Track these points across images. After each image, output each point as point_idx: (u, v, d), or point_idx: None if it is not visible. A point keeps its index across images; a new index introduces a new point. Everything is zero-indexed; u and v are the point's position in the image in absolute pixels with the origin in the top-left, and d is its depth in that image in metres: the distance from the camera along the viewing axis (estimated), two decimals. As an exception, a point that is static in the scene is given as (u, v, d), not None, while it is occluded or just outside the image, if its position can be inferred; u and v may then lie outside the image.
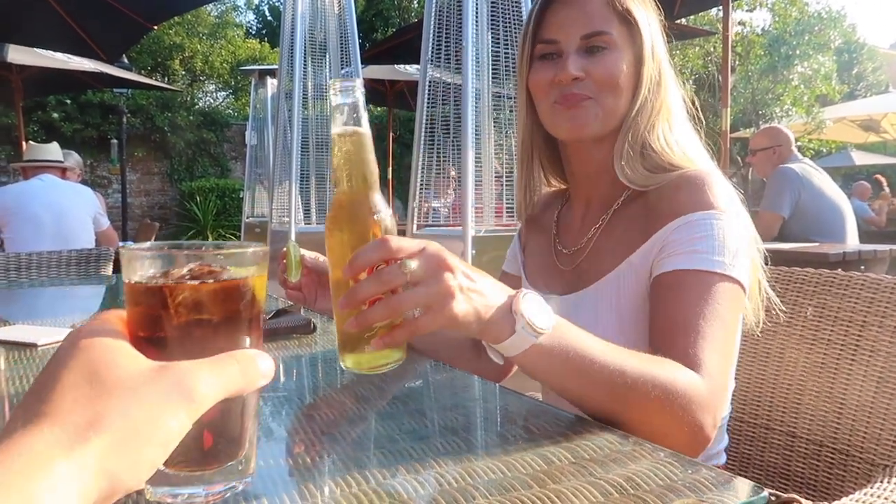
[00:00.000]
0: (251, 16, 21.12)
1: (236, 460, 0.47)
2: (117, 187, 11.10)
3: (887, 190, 9.90)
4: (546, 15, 1.03)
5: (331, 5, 4.88)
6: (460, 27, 3.55)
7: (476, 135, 3.54)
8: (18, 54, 6.36)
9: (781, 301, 1.10)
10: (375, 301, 0.66)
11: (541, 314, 0.71)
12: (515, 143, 1.19)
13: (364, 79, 4.98)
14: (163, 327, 0.44)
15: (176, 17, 13.27)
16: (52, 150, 4.22)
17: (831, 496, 1.04)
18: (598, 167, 1.06)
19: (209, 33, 15.80)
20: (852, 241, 3.53)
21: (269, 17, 20.21)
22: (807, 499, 1.06)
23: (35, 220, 3.76)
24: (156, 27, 5.78)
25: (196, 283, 0.44)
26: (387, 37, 12.22)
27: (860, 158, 14.03)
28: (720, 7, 5.57)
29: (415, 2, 17.41)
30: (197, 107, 13.63)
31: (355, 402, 0.81)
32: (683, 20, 7.19)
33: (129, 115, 11.15)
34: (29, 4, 5.12)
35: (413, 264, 0.65)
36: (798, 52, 12.36)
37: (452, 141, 3.86)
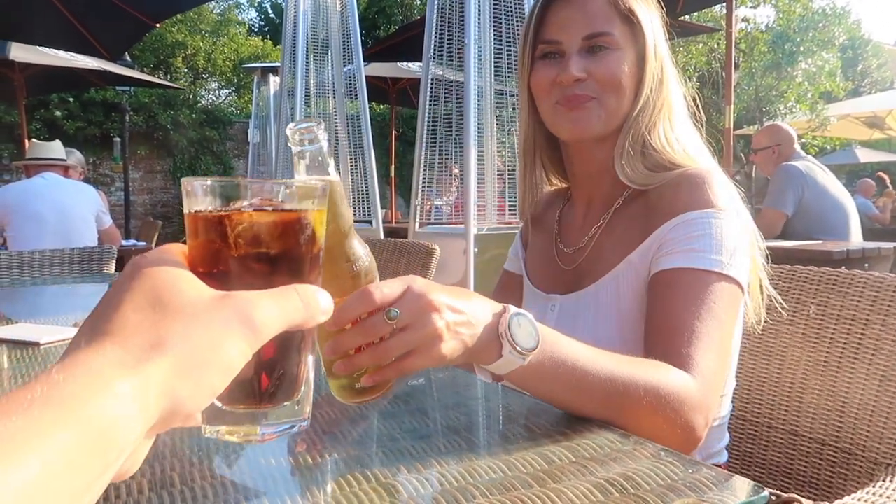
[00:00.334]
0: (253, 13, 21.14)
1: (292, 400, 0.47)
2: (120, 185, 11.11)
3: (891, 187, 9.88)
4: (547, 15, 1.03)
5: (333, 2, 4.88)
6: (463, 24, 3.55)
7: (478, 132, 3.54)
8: (21, 52, 6.37)
9: (784, 299, 1.10)
10: (361, 348, 0.64)
11: (527, 334, 0.69)
12: (518, 141, 1.19)
13: (367, 76, 5.00)
14: (222, 260, 0.43)
15: (178, 15, 13.28)
16: (55, 149, 4.23)
17: (833, 495, 1.04)
18: (599, 167, 1.06)
19: (212, 31, 15.80)
20: (856, 239, 3.52)
21: (272, 15, 20.20)
22: (808, 498, 1.06)
23: (37, 219, 3.77)
24: (158, 25, 5.78)
25: (256, 213, 0.44)
26: (389, 34, 12.21)
27: (864, 155, 13.99)
28: (724, 4, 5.55)
29: (417, -1, 17.39)
30: (199, 104, 13.63)
31: (356, 400, 0.81)
32: (687, 17, 7.17)
33: (131, 112, 11.16)
34: (32, 3, 5.13)
35: (397, 312, 0.62)
36: (802, 48, 12.33)
37: (455, 138, 3.86)
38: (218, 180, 0.44)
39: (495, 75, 3.65)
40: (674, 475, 0.56)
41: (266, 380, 0.45)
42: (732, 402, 1.07)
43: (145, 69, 13.73)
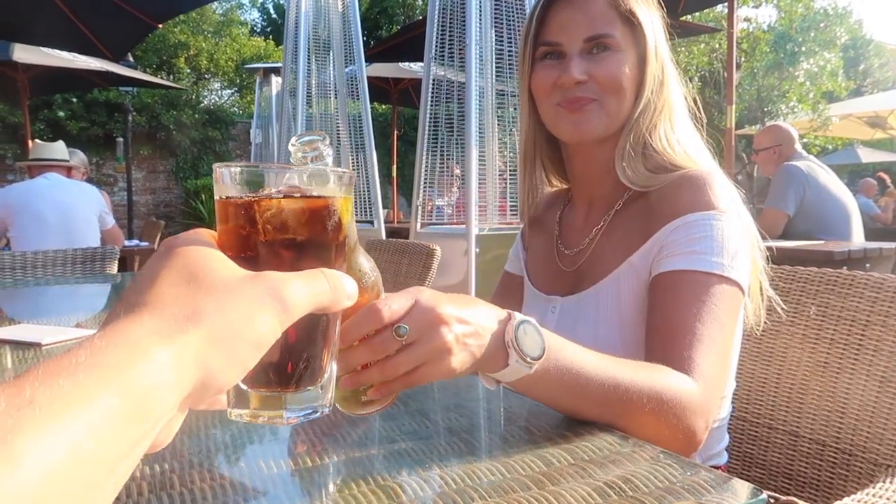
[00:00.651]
0: (256, 14, 21.15)
1: (316, 385, 0.47)
2: (123, 185, 11.13)
3: (893, 187, 9.85)
4: (548, 16, 1.02)
5: (335, 3, 4.89)
6: (464, 25, 3.55)
7: (480, 132, 3.54)
8: (24, 53, 6.39)
9: (784, 300, 1.10)
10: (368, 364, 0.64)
11: (533, 342, 0.69)
12: (519, 141, 1.19)
13: (368, 76, 5.00)
14: (251, 245, 0.44)
15: (181, 16, 13.29)
16: (58, 149, 4.24)
17: (833, 496, 1.04)
18: (599, 168, 1.05)
19: (214, 31, 15.82)
20: (858, 239, 3.52)
21: (274, 15, 20.21)
22: (808, 499, 1.06)
23: (40, 219, 3.78)
24: (161, 26, 5.79)
25: (284, 199, 0.45)
26: (391, 34, 12.22)
27: (866, 155, 13.97)
28: (725, 4, 5.54)
29: (419, -1, 17.39)
30: (202, 105, 13.65)
31: (357, 402, 0.81)
32: (688, 17, 7.17)
33: (134, 113, 11.17)
34: (35, 3, 5.14)
35: (406, 328, 0.62)
36: (804, 48, 12.30)
37: (456, 139, 3.87)
38: (247, 166, 0.46)
39: (496, 75, 3.65)
40: (672, 478, 0.56)
41: (291, 364, 0.46)
42: (732, 403, 1.07)
43: (148, 70, 13.74)
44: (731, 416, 1.11)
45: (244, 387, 0.45)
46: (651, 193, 0.99)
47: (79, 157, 4.98)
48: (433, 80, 3.83)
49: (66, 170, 4.21)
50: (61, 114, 10.79)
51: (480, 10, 3.53)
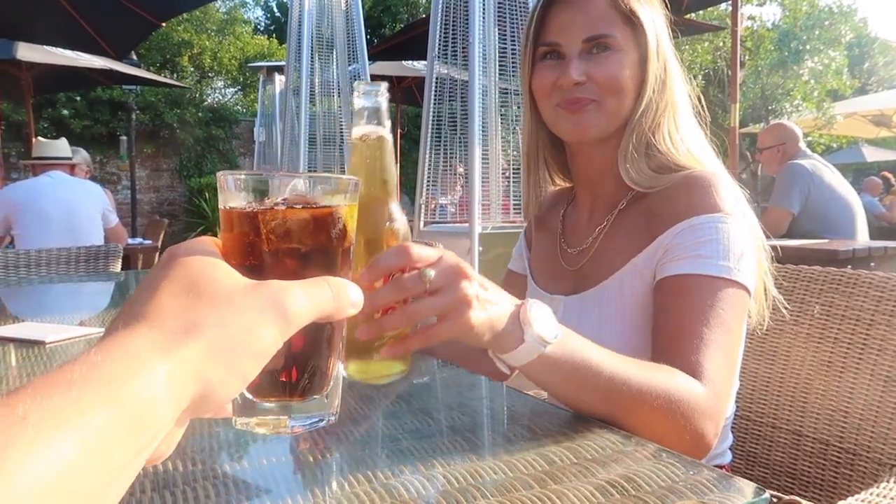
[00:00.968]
0: (259, 12, 21.16)
1: (322, 394, 0.47)
2: (126, 184, 11.15)
3: (898, 186, 9.82)
4: (547, 16, 1.01)
5: (338, 1, 4.89)
6: (467, 23, 3.54)
7: (483, 131, 3.54)
8: (28, 52, 6.40)
9: (788, 299, 1.10)
10: (388, 310, 0.64)
11: (548, 324, 0.70)
12: (521, 140, 1.18)
13: (371, 75, 5.00)
14: (255, 255, 0.44)
15: (184, 14, 13.30)
16: (61, 147, 4.24)
17: (837, 495, 1.04)
18: (602, 167, 1.05)
19: (217, 30, 15.83)
20: (862, 238, 3.51)
21: (277, 14, 20.22)
22: (812, 499, 1.06)
23: (44, 216, 3.78)
24: (164, 24, 5.80)
25: (289, 209, 0.44)
26: (394, 33, 12.22)
27: (871, 154, 13.92)
28: (730, 2, 5.53)
29: (422, -3, 17.37)
30: (205, 103, 13.67)
31: (359, 401, 0.81)
32: (692, 15, 7.15)
33: (138, 111, 11.19)
34: (39, 2, 5.15)
35: (432, 273, 0.63)
36: (808, 46, 12.27)
37: (459, 137, 3.86)
38: (251, 174, 0.45)
39: (499, 74, 3.64)
40: (675, 477, 0.56)
41: (296, 372, 0.46)
42: (736, 402, 1.07)
43: (151, 68, 13.76)
44: (735, 415, 1.10)
45: (249, 396, 0.45)
46: (655, 194, 0.98)
47: (82, 156, 5.00)
48: (436, 79, 3.83)
49: (70, 168, 4.22)
50: (65, 112, 10.81)
51: (484, 8, 3.52)
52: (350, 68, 4.89)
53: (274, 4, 20.60)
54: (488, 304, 0.67)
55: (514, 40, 3.60)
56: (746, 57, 12.19)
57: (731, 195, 0.94)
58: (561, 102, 1.00)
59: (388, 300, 0.64)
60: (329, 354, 0.47)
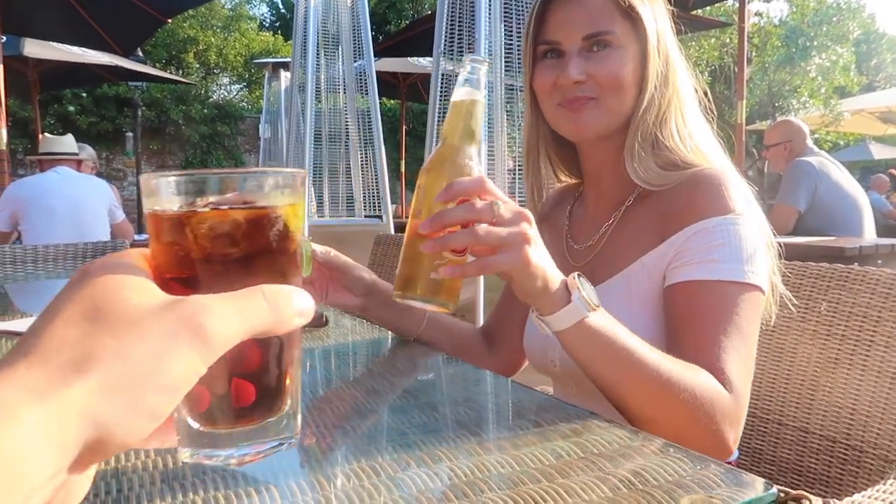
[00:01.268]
0: (265, 8, 21.18)
1: (276, 417, 0.42)
2: (132, 180, 11.19)
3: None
4: (546, 13, 1.01)
5: (344, -2, 4.89)
6: (473, 19, 3.54)
7: (488, 127, 3.53)
8: (35, 48, 6.43)
9: (795, 296, 1.09)
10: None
11: (592, 293, 0.75)
12: (523, 138, 1.18)
13: (377, 71, 4.99)
14: (187, 266, 0.39)
15: (190, 11, 13.33)
16: (67, 143, 4.26)
17: (844, 492, 1.04)
18: (606, 164, 1.05)
19: (223, 26, 15.86)
20: (870, 235, 3.49)
21: (283, 10, 20.23)
22: (819, 495, 1.06)
23: (51, 212, 3.80)
24: (170, 21, 5.81)
25: (221, 211, 0.40)
26: (400, 29, 12.20)
27: (878, 151, 13.85)
28: (736, -2, 5.51)
29: (428, -6, 17.34)
30: (211, 100, 13.70)
31: (367, 395, 0.81)
32: (699, 11, 7.12)
33: (144, 108, 11.23)
34: (45, -1, 5.17)
35: (501, 205, 0.70)
36: (816, 43, 12.21)
37: (465, 134, 3.85)
38: (178, 174, 0.40)
39: (505, 70, 3.64)
40: (682, 471, 0.56)
41: (244, 395, 0.41)
42: (742, 398, 1.07)
43: (157, 64, 13.80)
44: (741, 411, 1.10)
45: (195, 425, 0.40)
46: (663, 191, 0.97)
47: (88, 152, 5.01)
48: (442, 75, 3.83)
49: (76, 163, 4.23)
50: (71, 108, 10.86)
51: (490, 5, 3.52)
52: (356, 65, 4.89)
53: (279, 1, 20.61)
54: (544, 254, 0.74)
55: (519, 36, 3.59)
56: (753, 53, 12.14)
57: (740, 194, 0.93)
58: (562, 101, 0.99)
59: (458, 219, 0.69)
60: (281, 372, 0.42)
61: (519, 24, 3.60)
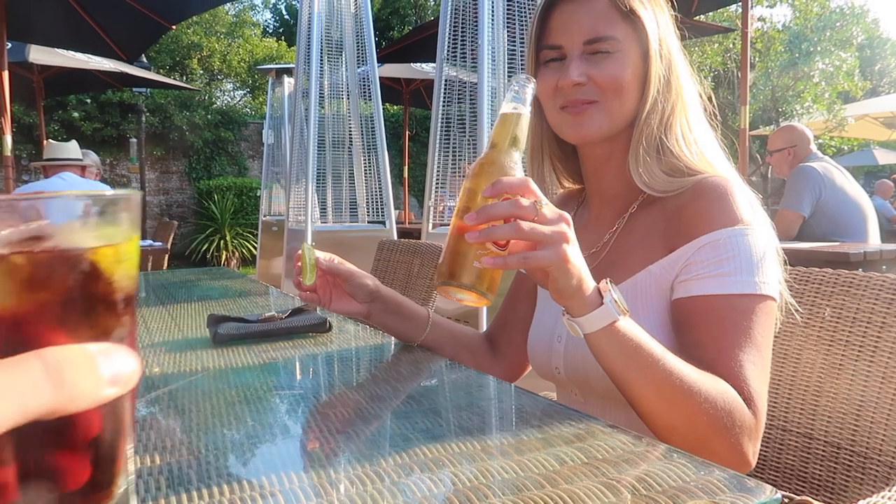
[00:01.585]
0: (268, 15, 21.26)
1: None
2: (136, 186, 11.22)
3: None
4: (549, 19, 1.01)
5: (347, 4, 4.90)
6: (476, 25, 3.55)
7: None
8: (40, 54, 6.46)
9: (799, 302, 1.09)
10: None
11: (622, 298, 0.77)
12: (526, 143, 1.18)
13: (380, 77, 5.01)
14: None
15: (194, 17, 13.38)
16: (71, 149, 4.28)
17: (849, 499, 1.03)
18: (610, 169, 1.04)
19: (227, 32, 15.92)
20: (874, 241, 3.48)
21: (287, 16, 20.31)
22: (824, 502, 1.05)
23: (56, 218, 3.81)
24: (174, 27, 5.84)
25: (8, 253, 0.31)
26: (403, 35, 12.24)
27: (883, 157, 13.82)
28: (739, 3, 5.51)
29: (431, 0, 17.40)
30: (215, 105, 13.73)
31: (370, 400, 0.81)
32: (702, 17, 7.13)
33: (147, 113, 11.27)
34: (50, 5, 5.20)
35: (544, 204, 0.74)
36: (819, 48, 12.20)
37: (468, 139, 3.87)
38: None
39: (509, 75, 3.64)
40: (686, 477, 0.56)
41: (59, 483, 0.32)
42: (746, 404, 1.07)
43: (161, 70, 13.85)
44: (745, 417, 1.10)
45: None
46: (668, 198, 0.97)
47: (91, 158, 5.04)
48: (445, 81, 3.83)
49: (80, 169, 4.25)
50: (75, 114, 10.89)
51: (493, 11, 3.53)
52: (359, 70, 4.91)
53: (283, 7, 20.69)
54: (581, 256, 0.77)
55: (523, 42, 3.60)
56: (757, 58, 12.14)
57: (746, 202, 0.93)
58: (564, 104, 0.99)
59: (502, 213, 0.73)
60: (108, 449, 0.34)
61: (522, 30, 3.61)
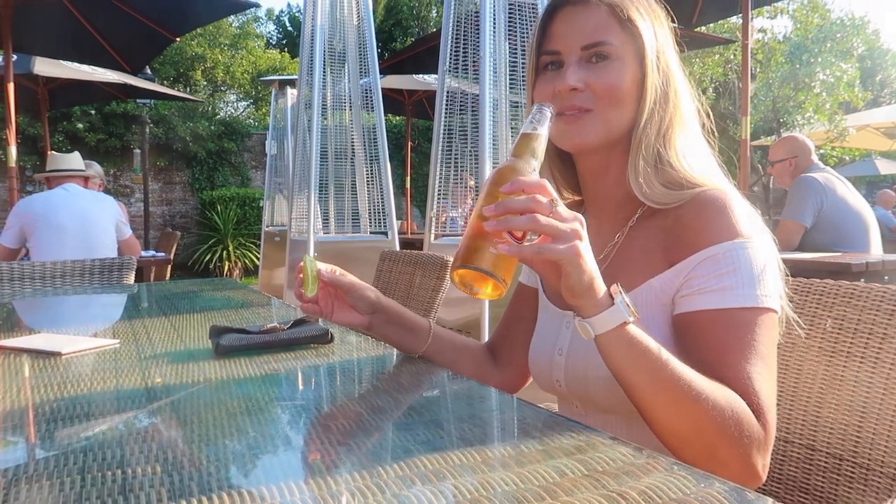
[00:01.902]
0: (272, 27, 21.36)
1: None
2: (140, 196, 11.26)
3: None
4: (549, 26, 1.02)
5: (350, 16, 4.94)
6: (478, 37, 3.57)
7: (493, 144, 3.55)
8: (45, 66, 6.50)
9: (800, 313, 1.09)
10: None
11: (631, 302, 0.78)
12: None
13: (383, 88, 5.03)
14: None
15: (198, 29, 13.47)
16: (74, 160, 4.30)
17: (851, 511, 1.03)
18: (608, 179, 1.04)
19: (230, 44, 16.00)
20: (876, 251, 3.48)
21: (290, 28, 20.42)
22: (826, 513, 1.05)
23: (59, 229, 3.83)
24: (178, 39, 5.88)
25: None
26: (405, 47, 12.30)
27: (884, 167, 13.83)
28: (740, 14, 5.54)
29: (433, 12, 17.51)
30: (218, 117, 13.79)
31: (371, 412, 0.81)
32: (703, 28, 7.16)
33: (151, 125, 11.32)
34: (55, 17, 5.24)
35: (559, 203, 0.77)
36: (820, 59, 12.23)
37: (470, 150, 3.88)
38: None
39: (510, 87, 3.66)
40: (686, 489, 0.56)
41: None
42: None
43: (165, 82, 13.92)
44: (747, 428, 1.10)
45: None
46: (668, 211, 0.97)
47: (95, 169, 5.06)
48: (447, 92, 3.85)
49: (84, 180, 4.27)
50: (80, 126, 10.95)
51: (494, 23, 3.55)
52: (361, 82, 4.93)
53: (286, 19, 20.81)
54: (592, 255, 0.79)
55: (524, 53, 3.62)
56: (757, 69, 12.17)
57: (745, 214, 0.92)
58: (560, 110, 0.99)
59: (520, 207, 0.75)
60: None
61: (524, 40, 3.63)
